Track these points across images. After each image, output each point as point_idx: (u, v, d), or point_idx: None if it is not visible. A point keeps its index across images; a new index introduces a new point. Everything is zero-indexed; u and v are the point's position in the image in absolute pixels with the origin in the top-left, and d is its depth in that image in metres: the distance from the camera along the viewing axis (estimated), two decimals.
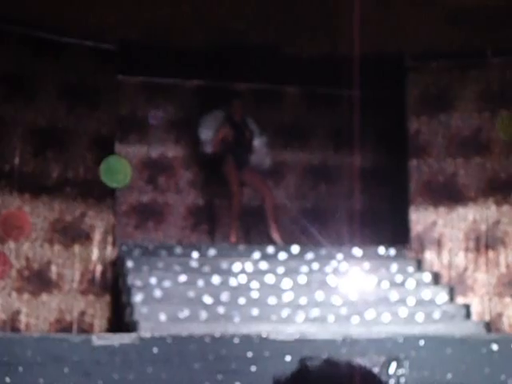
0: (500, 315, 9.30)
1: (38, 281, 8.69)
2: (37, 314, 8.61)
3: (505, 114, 9.52)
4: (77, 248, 8.97)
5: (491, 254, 9.50)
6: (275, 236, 9.75)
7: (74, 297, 8.86)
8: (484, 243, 9.55)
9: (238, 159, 9.81)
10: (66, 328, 8.75)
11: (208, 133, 9.88)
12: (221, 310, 8.53)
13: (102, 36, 9.12)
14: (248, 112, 10.04)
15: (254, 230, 10.19)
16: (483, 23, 8.98)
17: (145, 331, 7.79)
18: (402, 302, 9.02)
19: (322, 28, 8.94)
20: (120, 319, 8.72)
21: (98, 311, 8.98)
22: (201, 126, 9.91)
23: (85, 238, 9.03)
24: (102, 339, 7.34)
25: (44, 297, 8.69)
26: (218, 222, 10.24)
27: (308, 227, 10.13)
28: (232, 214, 9.87)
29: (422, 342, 7.55)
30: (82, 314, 8.88)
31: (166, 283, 8.83)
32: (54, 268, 8.79)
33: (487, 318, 9.23)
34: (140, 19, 8.94)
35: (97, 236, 9.11)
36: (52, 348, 7.17)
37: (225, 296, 8.75)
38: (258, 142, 10.00)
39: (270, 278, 9.07)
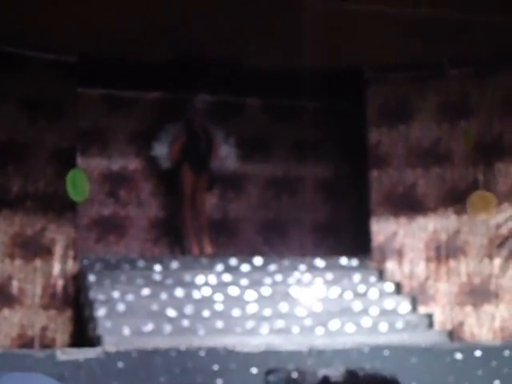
0: (462, 324, 9.40)
1: (0, 296, 8.58)
2: None
3: (465, 126, 9.64)
4: (38, 262, 8.88)
5: (452, 263, 9.60)
6: (207, 248, 9.77)
7: (36, 312, 8.76)
8: (445, 253, 9.65)
9: (194, 166, 9.81)
10: (28, 343, 8.64)
11: (162, 148, 9.89)
12: (185, 322, 8.50)
13: (63, 49, 9.06)
14: (210, 122, 10.05)
15: (217, 241, 10.17)
16: (442, 35, 9.09)
17: (109, 345, 7.73)
18: (366, 312, 9.06)
19: (283, 41, 8.99)
20: (82, 334, 8.65)
21: (59, 326, 8.89)
22: (155, 142, 9.92)
23: (46, 252, 8.95)
24: (67, 354, 7.26)
25: (5, 312, 8.58)
26: (180, 235, 10.20)
27: (270, 239, 10.15)
28: (185, 225, 9.87)
29: (386, 352, 7.60)
30: (44, 328, 8.79)
31: (129, 297, 8.77)
32: (15, 283, 8.69)
33: (449, 327, 9.31)
34: (101, 32, 8.90)
35: (58, 250, 9.02)
36: (15, 364, 7.08)
37: (189, 309, 8.72)
38: (223, 148, 10.01)
39: (233, 290, 9.06)
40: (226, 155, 10.05)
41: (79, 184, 8.19)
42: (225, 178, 10.22)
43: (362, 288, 9.45)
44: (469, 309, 9.41)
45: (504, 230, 9.53)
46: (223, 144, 10.06)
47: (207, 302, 8.88)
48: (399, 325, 8.94)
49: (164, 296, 8.87)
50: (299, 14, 7.90)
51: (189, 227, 9.93)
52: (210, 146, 9.93)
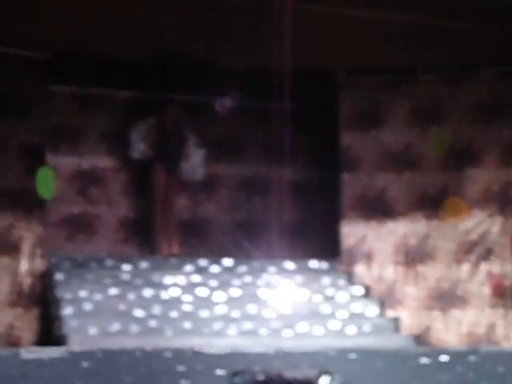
0: (429, 328, 9.43)
1: None
2: None
3: (436, 131, 9.69)
4: (5, 260, 8.81)
5: (420, 267, 9.63)
6: (175, 248, 9.78)
7: (2, 310, 8.69)
8: (413, 257, 9.68)
9: (166, 166, 9.79)
10: None
11: (136, 138, 9.87)
12: (152, 323, 8.46)
13: (34, 45, 9.00)
14: (181, 123, 10.02)
15: (187, 242, 10.13)
16: (414, 40, 9.13)
17: (74, 345, 7.68)
18: (334, 315, 9.07)
19: (255, 41, 8.97)
20: (49, 333, 8.59)
21: (26, 324, 8.82)
22: (131, 131, 9.89)
23: (13, 249, 8.88)
24: (31, 352, 7.19)
25: None
26: (150, 234, 10.15)
27: (240, 240, 10.13)
28: (156, 224, 9.85)
29: (353, 355, 7.59)
30: (10, 327, 8.71)
31: (97, 296, 8.72)
32: None
33: (416, 331, 9.34)
34: (73, 29, 8.85)
35: (26, 248, 8.96)
36: None
37: (157, 309, 8.68)
38: (193, 152, 10.00)
39: (202, 291, 9.04)
40: (195, 163, 10.04)
41: (48, 181, 8.14)
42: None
43: (330, 291, 9.46)
44: (436, 313, 9.45)
45: (473, 236, 9.58)
46: (194, 150, 10.03)
47: (175, 302, 8.85)
48: (367, 328, 8.96)
49: (132, 296, 8.83)
50: (274, 14, 7.90)
51: (159, 227, 9.89)
52: (182, 146, 9.91)
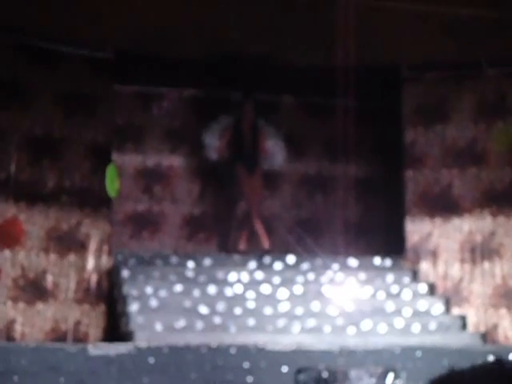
0: (496, 326, 9.30)
1: (34, 290, 8.65)
2: (32, 323, 8.58)
3: (501, 126, 9.54)
4: (72, 257, 8.94)
5: (487, 265, 9.50)
6: (265, 243, 9.74)
7: (70, 306, 8.83)
8: (479, 254, 9.56)
9: (246, 165, 9.78)
10: (61, 337, 8.71)
11: (212, 139, 9.85)
12: (217, 319, 8.51)
13: (99, 45, 9.12)
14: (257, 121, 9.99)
15: (251, 239, 10.15)
16: (479, 34, 9.01)
17: (141, 341, 7.77)
18: (398, 312, 9.01)
19: (318, 39, 8.95)
20: (115, 329, 8.69)
21: (93, 320, 8.95)
22: (206, 131, 9.89)
23: (80, 246, 9.01)
24: (98, 349, 7.31)
25: (39, 306, 8.65)
26: (215, 231, 10.22)
27: (303, 237, 10.12)
28: (246, 222, 9.83)
29: (418, 353, 7.55)
30: (78, 323, 8.84)
31: (162, 293, 8.80)
32: (49, 277, 8.76)
33: (483, 329, 9.22)
34: (137, 29, 8.95)
35: (92, 245, 9.08)
36: (47, 357, 7.14)
37: (221, 306, 8.73)
38: (271, 143, 9.95)
39: (265, 288, 9.05)
40: (273, 150, 9.98)
41: (114, 179, 8.24)
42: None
43: (395, 288, 9.39)
44: (503, 311, 9.31)
45: None
46: (271, 138, 9.97)
47: (239, 299, 8.88)
48: (432, 326, 8.87)
49: (196, 293, 8.89)
50: (337, 10, 7.87)
51: (244, 225, 9.90)
52: (258, 144, 9.87)
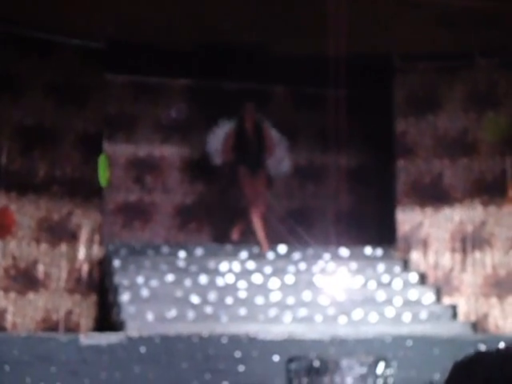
0: (486, 316, 9.34)
1: (25, 280, 8.65)
2: (23, 313, 8.58)
3: (492, 116, 9.56)
4: (63, 247, 8.94)
5: (477, 254, 9.53)
6: (264, 246, 9.63)
7: (61, 296, 8.83)
8: (470, 244, 9.59)
9: (250, 166, 9.69)
10: (53, 327, 8.71)
11: (216, 144, 9.73)
12: (208, 309, 8.52)
13: (90, 35, 9.09)
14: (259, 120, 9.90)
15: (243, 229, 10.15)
16: (471, 25, 9.01)
17: (132, 331, 7.78)
18: (389, 302, 9.04)
19: (309, 28, 8.94)
20: (106, 318, 8.70)
21: (84, 310, 8.95)
22: (208, 138, 9.78)
23: (71, 236, 9.00)
24: (90, 338, 7.31)
25: (31, 295, 8.65)
26: (206, 221, 10.22)
27: (295, 227, 10.11)
28: (243, 216, 9.75)
29: (409, 342, 7.57)
30: (69, 313, 8.85)
31: (153, 283, 8.81)
32: (40, 267, 8.76)
33: (473, 318, 9.26)
34: (128, 18, 8.92)
35: (83, 235, 9.07)
36: (39, 347, 7.14)
37: (212, 296, 8.74)
38: (279, 149, 9.82)
39: (257, 278, 9.07)
40: (280, 157, 9.88)
41: (104, 169, 8.23)
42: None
43: (386, 278, 9.42)
44: (493, 300, 9.34)
45: None
46: (279, 145, 9.88)
47: (231, 289, 8.89)
48: (423, 315, 8.90)
49: (188, 282, 8.90)
50: (328, 1, 7.85)
51: (240, 217, 9.85)
52: (262, 144, 9.78)
